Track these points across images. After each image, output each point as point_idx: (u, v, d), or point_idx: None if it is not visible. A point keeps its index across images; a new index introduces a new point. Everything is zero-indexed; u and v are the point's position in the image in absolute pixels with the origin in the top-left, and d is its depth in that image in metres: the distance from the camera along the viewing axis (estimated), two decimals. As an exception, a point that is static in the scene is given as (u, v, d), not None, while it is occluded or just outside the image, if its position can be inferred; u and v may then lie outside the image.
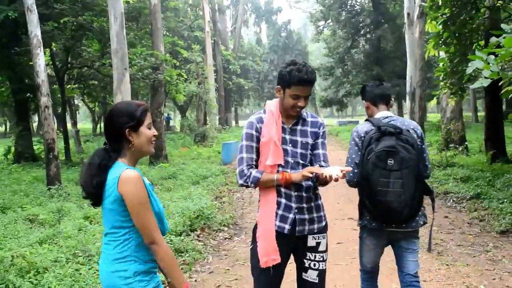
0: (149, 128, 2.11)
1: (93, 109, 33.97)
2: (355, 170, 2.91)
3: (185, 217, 6.16)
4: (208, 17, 25.86)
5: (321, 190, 2.72)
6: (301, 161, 2.59)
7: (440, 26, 9.04)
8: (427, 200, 2.98)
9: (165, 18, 23.73)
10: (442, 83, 9.72)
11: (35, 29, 9.11)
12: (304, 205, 2.60)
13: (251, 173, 2.55)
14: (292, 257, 2.70)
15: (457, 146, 12.27)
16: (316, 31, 35.99)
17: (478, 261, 4.94)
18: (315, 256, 2.64)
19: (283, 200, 2.58)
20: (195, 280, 4.64)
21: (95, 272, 4.13)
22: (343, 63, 32.80)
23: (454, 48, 9.08)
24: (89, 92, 21.65)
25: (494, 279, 4.42)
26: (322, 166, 2.57)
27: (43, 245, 4.95)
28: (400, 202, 2.74)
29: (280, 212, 2.58)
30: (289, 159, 2.58)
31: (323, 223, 2.69)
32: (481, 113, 32.36)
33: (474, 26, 9.08)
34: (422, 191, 2.87)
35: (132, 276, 2.00)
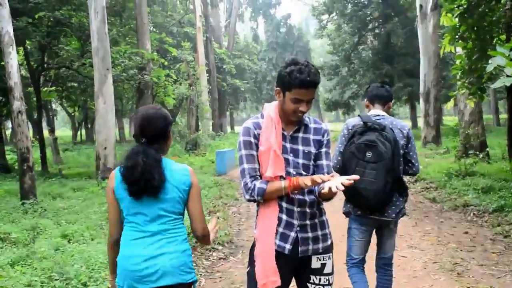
0: None
1: (73, 114, 33.98)
2: (339, 158, 3.57)
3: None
4: (200, 11, 25.94)
5: (325, 204, 2.69)
6: (303, 173, 2.55)
7: (457, 19, 9.04)
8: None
9: (151, 13, 23.84)
10: (459, 83, 9.70)
11: (6, 25, 9.07)
12: (308, 222, 2.56)
13: (255, 185, 2.51)
14: (294, 280, 2.66)
15: (477, 152, 12.23)
16: (319, 26, 36.10)
17: (503, 283, 4.89)
18: (320, 280, 2.59)
19: (284, 216, 2.54)
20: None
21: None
22: (349, 61, 32.88)
23: (472, 43, 9.06)
24: (68, 96, 21.56)
25: (521, 302, 4.39)
26: None
27: (15, 267, 4.89)
28: (371, 190, 3.28)
29: (280, 229, 2.54)
30: (291, 170, 2.54)
31: (329, 242, 2.66)
32: (503, 116, 32.44)
33: (494, 18, 9.09)
34: (394, 184, 3.41)
35: (191, 254, 2.57)
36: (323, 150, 2.64)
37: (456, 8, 8.99)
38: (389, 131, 3.41)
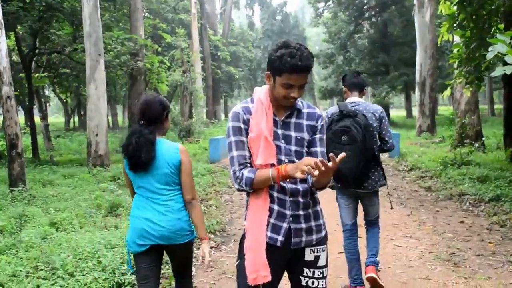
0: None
1: (65, 100, 33.64)
2: None
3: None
4: (195, -3, 25.66)
5: (319, 193, 2.56)
6: (296, 160, 2.40)
7: (455, 7, 8.93)
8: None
9: (145, -2, 23.51)
10: (456, 71, 9.62)
11: (-5, 9, 8.87)
12: (301, 212, 2.43)
13: (243, 174, 2.37)
14: (286, 273, 2.54)
15: (473, 142, 12.20)
16: (315, 13, 35.94)
17: (500, 274, 4.81)
18: (313, 273, 2.47)
19: (275, 207, 2.41)
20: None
21: (58, 288, 3.96)
22: (345, 50, 32.78)
23: (470, 32, 8.97)
24: (60, 81, 21.29)
25: (518, 294, 4.31)
26: None
27: (0, 257, 4.78)
28: (347, 168, 3.82)
29: (272, 220, 2.41)
30: (283, 157, 2.41)
31: (323, 233, 2.53)
32: (498, 106, 32.46)
33: (493, 7, 8.97)
34: (368, 161, 3.98)
35: (189, 220, 3.05)
36: (317, 136, 2.50)
37: (455, -4, 8.86)
38: (361, 117, 3.92)
